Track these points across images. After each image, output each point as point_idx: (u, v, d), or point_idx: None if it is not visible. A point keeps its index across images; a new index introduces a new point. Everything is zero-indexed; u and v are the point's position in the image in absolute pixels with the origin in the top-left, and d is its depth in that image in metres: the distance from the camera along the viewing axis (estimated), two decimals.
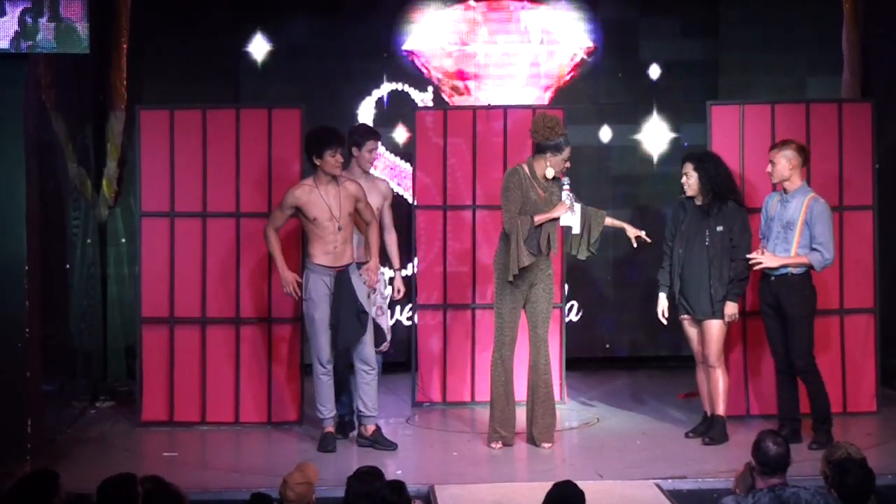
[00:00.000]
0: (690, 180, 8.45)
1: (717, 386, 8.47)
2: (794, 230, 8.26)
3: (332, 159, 8.16)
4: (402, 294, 8.93)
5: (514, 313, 8.30)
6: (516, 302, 8.29)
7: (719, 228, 8.37)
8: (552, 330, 8.72)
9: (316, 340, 8.26)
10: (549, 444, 8.37)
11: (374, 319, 8.39)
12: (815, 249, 8.23)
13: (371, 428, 8.38)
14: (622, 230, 8.48)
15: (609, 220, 8.45)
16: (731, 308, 8.41)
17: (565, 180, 8.25)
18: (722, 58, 11.01)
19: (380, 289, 8.61)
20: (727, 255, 8.38)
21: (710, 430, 8.48)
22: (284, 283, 8.31)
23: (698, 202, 8.47)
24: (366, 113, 10.88)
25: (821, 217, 8.26)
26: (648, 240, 8.45)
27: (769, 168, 8.36)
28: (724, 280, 8.38)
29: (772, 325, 8.45)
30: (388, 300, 8.92)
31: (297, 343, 9.06)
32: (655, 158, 11.08)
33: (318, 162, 8.18)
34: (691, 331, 8.61)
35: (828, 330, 9.06)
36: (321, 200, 8.16)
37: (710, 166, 8.44)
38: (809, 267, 8.29)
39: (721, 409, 8.50)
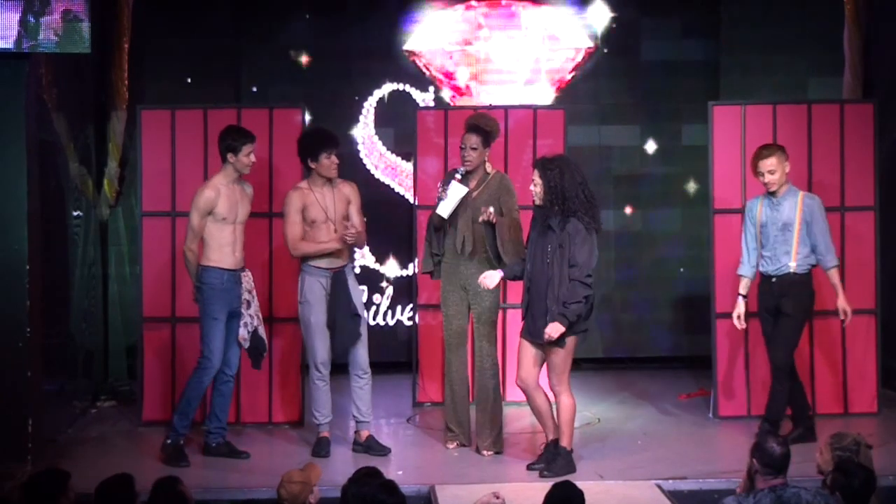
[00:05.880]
0: (537, 188, 7.52)
1: (564, 414, 7.61)
2: (793, 230, 8.27)
3: (327, 161, 8.15)
4: None
5: (456, 315, 8.26)
6: (458, 304, 8.27)
7: (561, 246, 7.47)
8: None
9: (311, 344, 8.23)
10: (490, 453, 8.16)
11: (256, 330, 8.14)
12: (820, 255, 8.27)
13: (365, 434, 8.32)
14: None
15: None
16: (551, 328, 7.42)
17: (461, 169, 8.22)
18: (723, 58, 11.00)
19: (252, 301, 8.19)
20: (566, 276, 7.45)
21: (553, 462, 7.66)
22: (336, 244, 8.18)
23: (545, 213, 7.57)
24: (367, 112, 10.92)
25: (819, 215, 8.30)
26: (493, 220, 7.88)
27: (766, 178, 8.28)
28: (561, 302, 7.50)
29: (770, 330, 8.41)
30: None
31: (298, 343, 9.05)
32: (656, 159, 11.08)
33: (313, 165, 8.17)
34: (527, 353, 7.66)
35: (829, 331, 9.07)
36: (318, 203, 8.17)
37: (554, 174, 7.46)
38: (813, 266, 8.32)
39: (567, 440, 7.65)
